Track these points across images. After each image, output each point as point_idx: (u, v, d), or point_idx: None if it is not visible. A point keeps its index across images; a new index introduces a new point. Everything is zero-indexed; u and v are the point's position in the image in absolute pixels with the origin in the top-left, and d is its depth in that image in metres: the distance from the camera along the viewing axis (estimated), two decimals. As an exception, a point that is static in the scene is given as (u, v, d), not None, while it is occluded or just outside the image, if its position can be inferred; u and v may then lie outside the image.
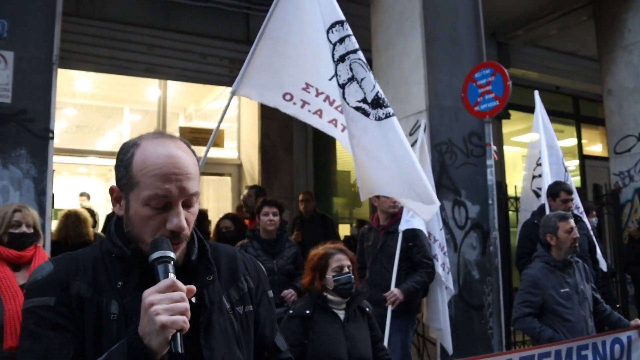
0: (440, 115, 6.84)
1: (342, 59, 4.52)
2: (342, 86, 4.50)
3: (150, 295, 1.36)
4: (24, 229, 3.92)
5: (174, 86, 10.78)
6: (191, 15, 9.58)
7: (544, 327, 4.53)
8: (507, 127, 12.21)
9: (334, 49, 4.54)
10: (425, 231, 5.74)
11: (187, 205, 1.57)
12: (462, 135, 6.94)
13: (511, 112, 11.06)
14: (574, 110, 13.61)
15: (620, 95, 9.23)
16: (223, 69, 9.88)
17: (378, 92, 4.47)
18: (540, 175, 6.51)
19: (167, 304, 1.34)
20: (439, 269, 5.85)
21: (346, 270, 3.79)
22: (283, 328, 3.68)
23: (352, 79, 4.49)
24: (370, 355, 3.83)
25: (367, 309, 3.99)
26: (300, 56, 4.77)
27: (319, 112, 4.92)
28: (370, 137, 4.46)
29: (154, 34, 9.42)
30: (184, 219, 1.54)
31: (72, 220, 6.35)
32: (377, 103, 4.46)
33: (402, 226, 5.57)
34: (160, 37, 9.47)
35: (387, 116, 4.44)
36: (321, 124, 4.97)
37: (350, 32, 4.56)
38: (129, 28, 9.20)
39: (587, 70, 12.42)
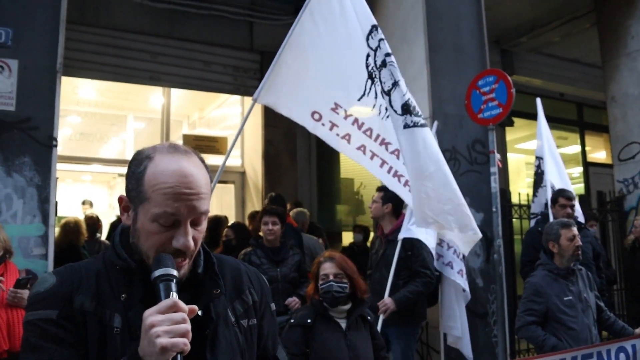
0: (443, 123, 6.83)
1: (384, 64, 4.45)
2: (388, 93, 4.40)
3: (150, 316, 1.34)
4: None
5: (177, 94, 10.80)
6: (195, 23, 9.60)
7: (547, 335, 4.51)
8: (510, 134, 12.19)
9: (375, 54, 4.46)
10: (428, 240, 5.71)
11: (195, 223, 1.55)
12: (466, 142, 6.94)
13: (515, 119, 11.03)
14: (578, 117, 13.59)
15: (624, 103, 9.22)
16: (227, 77, 9.90)
17: (409, 98, 4.39)
18: (553, 187, 6.48)
19: (168, 325, 1.32)
20: (455, 277, 5.81)
21: (330, 278, 3.78)
22: (284, 337, 3.67)
23: (395, 84, 4.41)
24: None
25: (369, 317, 3.99)
26: (329, 73, 4.67)
27: (347, 137, 4.80)
28: (423, 147, 4.35)
29: (158, 42, 9.44)
30: (190, 238, 1.53)
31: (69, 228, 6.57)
32: (406, 109, 4.37)
33: (402, 234, 5.54)
34: (164, 45, 9.48)
35: (415, 125, 4.34)
36: (349, 151, 4.86)
37: (383, 35, 4.51)
38: (133, 36, 9.23)
39: (590, 77, 12.40)
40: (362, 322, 3.91)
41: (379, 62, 4.46)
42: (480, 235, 4.64)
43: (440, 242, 5.89)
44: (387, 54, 4.46)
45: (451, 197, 4.43)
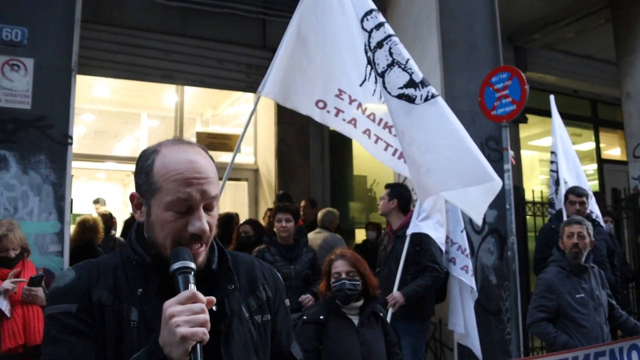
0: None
1: (379, 45, 4.43)
2: (381, 75, 4.39)
3: (170, 306, 1.37)
4: (10, 254, 4.29)
5: (191, 92, 10.83)
6: (208, 21, 9.63)
7: (558, 332, 4.50)
8: (524, 131, 12.13)
9: (370, 36, 4.45)
10: (436, 236, 5.73)
11: (207, 208, 1.59)
12: (479, 139, 6.90)
13: (528, 116, 10.98)
14: (592, 114, 13.50)
15: (639, 99, 9.15)
16: (240, 75, 9.93)
17: (413, 73, 4.37)
18: (565, 183, 6.45)
19: (188, 315, 1.35)
20: (457, 273, 5.82)
21: (343, 276, 3.80)
22: (297, 334, 3.68)
23: (392, 64, 4.38)
24: None
25: (381, 314, 4.00)
26: (331, 60, 4.70)
27: (353, 122, 4.84)
28: (418, 125, 4.30)
29: (171, 40, 9.48)
30: (205, 222, 1.56)
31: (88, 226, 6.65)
32: (424, 82, 4.36)
33: (410, 230, 5.56)
34: (178, 43, 9.52)
35: (433, 96, 4.32)
36: (356, 135, 4.90)
37: (384, 19, 4.49)
38: (146, 34, 9.27)
39: (604, 74, 12.32)
40: (375, 318, 3.92)
41: (373, 44, 4.45)
42: (499, 182, 4.49)
43: (446, 238, 5.90)
44: (388, 36, 4.44)
45: (475, 152, 4.32)
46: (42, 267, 4.58)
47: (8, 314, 4.09)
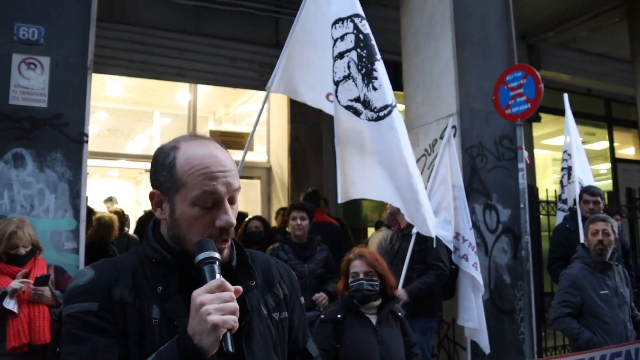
0: (471, 119, 6.80)
1: (340, 55, 4.50)
2: (336, 83, 4.47)
3: (200, 295, 1.37)
4: (20, 251, 4.27)
5: (204, 90, 10.87)
6: (221, 20, 9.66)
7: (582, 328, 4.49)
8: (537, 130, 12.09)
9: (334, 44, 4.51)
10: (442, 234, 5.75)
11: (231, 201, 1.59)
12: (493, 138, 6.89)
13: (542, 115, 10.95)
14: (606, 112, 13.43)
15: (654, 98, 9.09)
16: (253, 73, 9.94)
17: (363, 94, 4.42)
18: (580, 182, 6.43)
19: (218, 303, 1.36)
20: (469, 269, 5.84)
21: (361, 277, 3.78)
22: (315, 333, 3.69)
23: (347, 77, 4.46)
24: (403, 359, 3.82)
25: (400, 314, 3.99)
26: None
27: None
28: (358, 136, 4.42)
29: (184, 38, 9.52)
30: (232, 215, 1.57)
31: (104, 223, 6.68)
32: (367, 104, 4.42)
33: (416, 228, 5.58)
34: (191, 42, 9.56)
35: (379, 119, 4.37)
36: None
37: (351, 30, 4.50)
38: (160, 33, 9.31)
39: (619, 72, 12.26)
40: (393, 318, 3.91)
41: (335, 53, 4.50)
42: (432, 235, 4.65)
43: (456, 235, 5.93)
44: (352, 49, 4.47)
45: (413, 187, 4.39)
46: (53, 264, 4.58)
47: (17, 312, 4.11)
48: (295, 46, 4.71)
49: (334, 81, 4.50)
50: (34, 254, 4.37)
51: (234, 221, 1.58)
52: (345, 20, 4.53)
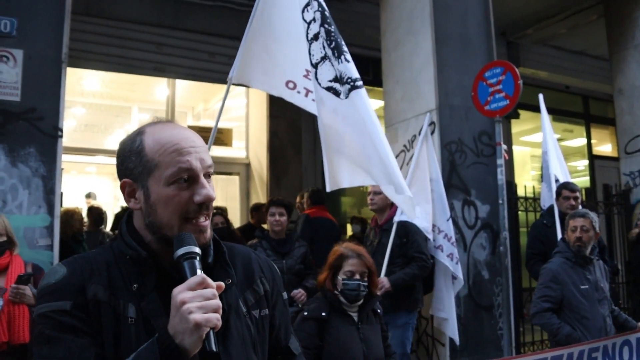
0: (450, 115, 6.80)
1: (315, 37, 4.47)
2: (314, 66, 4.44)
3: (181, 293, 1.33)
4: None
5: (182, 85, 10.78)
6: (200, 14, 9.57)
7: (562, 323, 4.51)
8: (516, 126, 12.16)
9: (308, 27, 4.49)
10: (422, 224, 5.76)
11: (206, 178, 1.55)
12: (472, 134, 6.90)
13: (520, 111, 11.00)
14: (584, 109, 13.54)
15: (631, 95, 9.17)
16: (231, 68, 9.86)
17: (342, 71, 4.37)
18: (557, 181, 6.45)
19: (200, 301, 1.32)
20: (444, 260, 5.89)
21: (357, 276, 3.71)
22: (297, 329, 3.63)
23: (325, 57, 4.43)
24: (383, 357, 3.80)
25: (379, 310, 3.96)
26: (295, 41, 4.67)
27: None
28: (342, 119, 4.37)
29: (162, 32, 9.42)
30: (210, 189, 1.53)
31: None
32: (343, 79, 4.38)
33: (397, 218, 5.63)
34: (169, 36, 9.46)
35: (355, 88, 4.33)
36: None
37: (316, 8, 4.49)
38: (137, 27, 9.20)
39: (597, 70, 12.37)
40: (373, 315, 3.89)
41: (310, 35, 4.48)
42: (409, 194, 4.55)
43: (432, 227, 5.94)
44: (322, 31, 4.45)
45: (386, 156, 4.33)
46: (30, 262, 4.49)
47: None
48: (253, 36, 4.70)
49: (312, 64, 4.46)
50: (8, 246, 4.27)
51: (213, 194, 1.53)
52: (313, 2, 4.52)
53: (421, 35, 7.03)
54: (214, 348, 1.32)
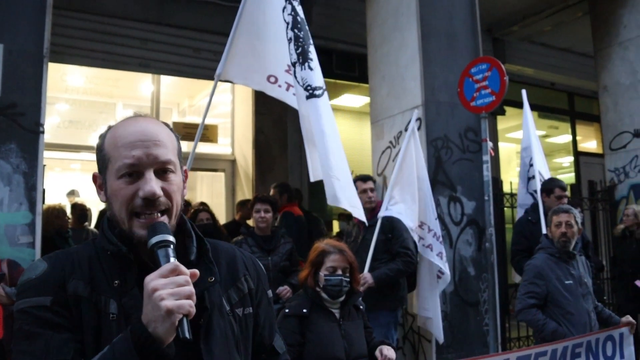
0: (436, 111, 6.80)
1: (290, 40, 4.60)
2: (293, 65, 4.55)
3: (153, 280, 1.32)
4: None
5: (167, 81, 10.69)
6: (185, 10, 9.50)
7: (547, 319, 4.51)
8: (501, 123, 12.18)
9: (287, 28, 4.62)
10: (407, 220, 5.74)
11: (162, 174, 1.53)
12: (458, 130, 6.90)
13: (506, 108, 11.03)
14: (569, 106, 13.61)
15: (615, 92, 9.21)
16: (216, 64, 9.60)
17: (305, 77, 4.50)
18: (533, 177, 6.47)
19: (172, 288, 1.30)
20: (433, 259, 5.84)
21: (339, 272, 3.71)
22: (279, 327, 3.61)
23: (297, 61, 4.55)
24: (366, 353, 3.78)
25: (361, 307, 3.96)
26: (279, 37, 4.75)
27: None
28: (314, 116, 4.50)
29: (147, 28, 9.33)
30: (155, 185, 1.50)
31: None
32: (304, 87, 4.52)
33: (381, 213, 5.65)
34: (154, 32, 9.38)
35: (313, 96, 4.47)
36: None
37: (289, 11, 4.63)
38: (122, 22, 9.11)
39: (582, 67, 12.43)
40: (355, 310, 3.88)
41: (289, 35, 4.60)
42: (361, 217, 4.71)
43: (421, 225, 5.92)
44: (294, 29, 4.60)
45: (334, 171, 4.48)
46: (6, 258, 4.44)
47: None
48: (239, 33, 4.77)
49: (290, 62, 4.57)
50: None
51: (157, 191, 1.50)
52: (286, 2, 4.64)
53: (407, 32, 7.02)
54: (187, 335, 1.30)
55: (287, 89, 4.82)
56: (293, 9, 4.60)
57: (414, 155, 6.08)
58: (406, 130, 6.44)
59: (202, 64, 9.67)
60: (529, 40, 12.04)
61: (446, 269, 5.91)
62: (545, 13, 10.78)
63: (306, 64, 4.48)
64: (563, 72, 12.62)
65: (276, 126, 10.67)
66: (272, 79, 4.80)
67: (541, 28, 11.41)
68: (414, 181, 5.98)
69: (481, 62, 5.96)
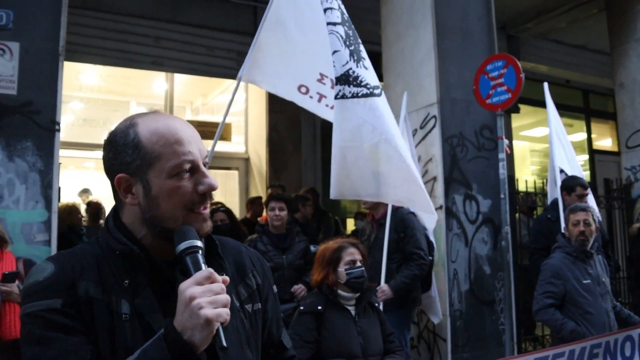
0: (451, 108, 6.75)
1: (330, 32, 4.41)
2: (353, 60, 4.38)
3: (189, 288, 1.30)
4: None
5: (180, 79, 10.71)
6: (198, 8, 9.52)
7: (565, 319, 4.46)
8: (516, 121, 12.12)
9: (338, 25, 4.42)
10: (419, 214, 5.71)
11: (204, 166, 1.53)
12: (474, 128, 6.85)
13: (520, 106, 10.96)
14: (584, 104, 13.50)
15: (632, 89, 9.11)
16: (230, 62, 9.78)
17: (350, 69, 4.28)
18: (562, 172, 6.34)
19: (209, 296, 1.29)
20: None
21: (359, 264, 3.73)
22: (296, 324, 3.62)
23: (334, 53, 4.36)
24: (382, 350, 3.79)
25: (377, 304, 3.96)
26: (311, 43, 4.63)
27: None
28: (357, 129, 4.27)
29: (160, 26, 9.35)
30: (212, 178, 1.51)
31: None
32: (345, 80, 4.28)
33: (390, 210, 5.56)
34: (167, 30, 9.40)
35: (354, 96, 4.25)
36: None
37: (333, 5, 4.43)
38: (135, 20, 9.14)
39: (597, 64, 12.33)
40: (371, 308, 3.87)
41: (341, 32, 4.42)
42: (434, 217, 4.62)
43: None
44: (333, 24, 4.39)
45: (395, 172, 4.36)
46: (22, 257, 4.45)
47: None
48: (266, 36, 4.62)
49: (344, 62, 4.33)
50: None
51: (216, 183, 1.50)
52: (329, 10, 4.43)
53: (422, 29, 6.97)
54: (224, 343, 1.30)
55: (319, 100, 4.69)
56: (339, 5, 4.44)
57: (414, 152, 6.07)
58: (421, 128, 6.41)
59: (215, 62, 9.69)
60: (543, 37, 11.95)
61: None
62: (560, 10, 10.69)
63: (361, 63, 4.33)
64: (578, 70, 12.52)
65: (290, 124, 10.67)
66: (303, 89, 4.67)
67: (556, 25, 11.32)
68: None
69: (497, 59, 5.91)
